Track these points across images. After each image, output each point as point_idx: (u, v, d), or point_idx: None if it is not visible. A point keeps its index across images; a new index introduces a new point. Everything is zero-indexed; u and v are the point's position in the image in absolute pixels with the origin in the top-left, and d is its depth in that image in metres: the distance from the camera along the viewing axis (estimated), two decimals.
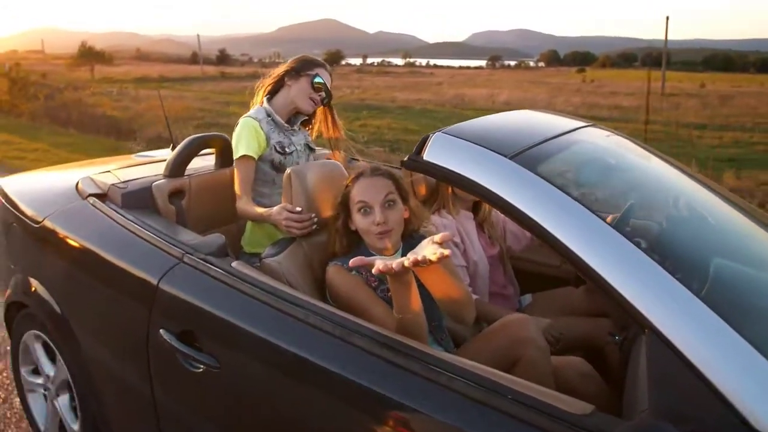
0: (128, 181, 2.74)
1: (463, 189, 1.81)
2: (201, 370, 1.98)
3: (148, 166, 3.10)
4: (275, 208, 2.44)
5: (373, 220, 2.12)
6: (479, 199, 2.11)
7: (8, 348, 3.40)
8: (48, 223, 2.64)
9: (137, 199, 2.66)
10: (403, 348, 1.68)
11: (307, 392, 1.80)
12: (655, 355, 1.41)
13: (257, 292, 1.97)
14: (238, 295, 2.00)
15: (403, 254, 1.96)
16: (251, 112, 2.89)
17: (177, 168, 2.86)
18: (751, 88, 35.71)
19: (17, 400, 3.45)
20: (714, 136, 15.94)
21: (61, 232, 2.59)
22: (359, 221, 2.16)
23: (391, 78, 52.58)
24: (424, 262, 1.57)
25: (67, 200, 2.72)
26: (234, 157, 2.78)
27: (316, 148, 3.14)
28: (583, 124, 2.38)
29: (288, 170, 2.43)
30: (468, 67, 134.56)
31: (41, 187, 3.11)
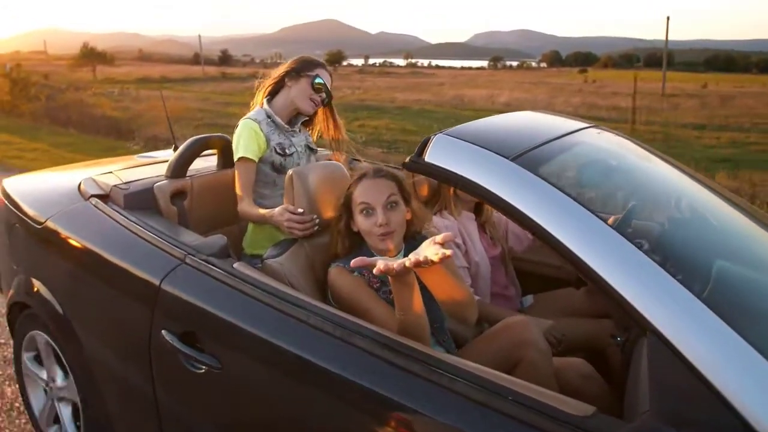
0: (130, 182, 2.75)
1: (464, 190, 1.81)
2: (203, 370, 1.98)
3: (150, 167, 3.11)
4: (277, 209, 2.44)
5: (376, 222, 2.12)
6: (480, 200, 2.11)
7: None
8: (50, 224, 2.65)
9: (139, 200, 2.67)
10: (405, 349, 1.68)
11: (308, 393, 1.80)
12: (657, 357, 1.41)
13: (259, 293, 1.98)
14: (240, 296, 2.00)
15: (405, 255, 1.97)
16: (251, 113, 2.88)
17: (179, 169, 2.87)
18: (752, 89, 35.68)
19: (8, 389, 3.53)
20: (711, 136, 15.96)
21: (64, 232, 2.59)
22: (361, 222, 2.16)
23: (393, 79, 52.57)
24: (426, 263, 1.57)
25: (70, 201, 2.73)
26: (234, 159, 2.78)
27: (318, 149, 3.13)
28: (585, 125, 2.38)
29: (290, 171, 2.43)
30: (470, 68, 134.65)
31: (44, 188, 3.11)
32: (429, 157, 1.79)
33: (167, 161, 2.94)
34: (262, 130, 2.78)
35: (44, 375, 2.93)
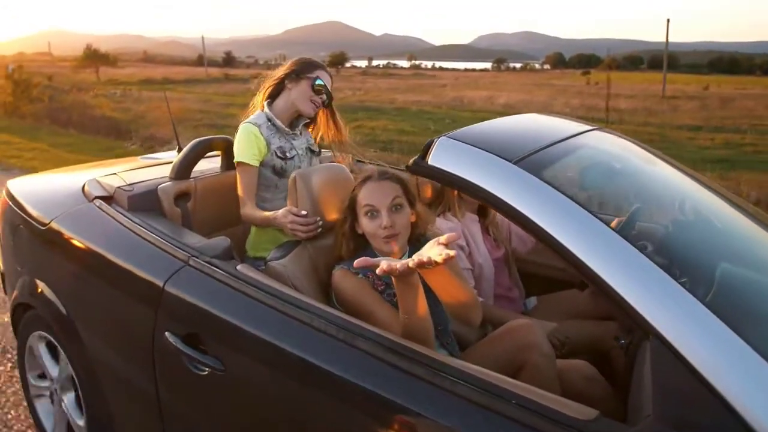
0: (134, 183, 2.75)
1: (467, 193, 1.81)
2: (206, 372, 1.98)
3: (154, 169, 3.11)
4: (280, 211, 2.44)
5: (380, 224, 2.12)
6: (483, 203, 2.11)
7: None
8: (54, 226, 2.66)
9: (143, 202, 2.67)
10: (408, 352, 1.68)
11: (311, 395, 1.80)
12: (660, 361, 1.41)
13: (262, 295, 1.98)
14: (243, 298, 2.00)
15: (410, 258, 1.96)
16: (251, 117, 2.87)
17: (183, 170, 2.87)
18: (754, 91, 35.62)
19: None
20: (706, 137, 15.99)
21: (68, 234, 2.60)
22: (366, 225, 2.16)
23: (395, 80, 52.61)
24: (430, 264, 1.57)
25: (74, 203, 2.74)
26: (234, 162, 2.78)
27: (323, 150, 3.13)
28: (589, 127, 2.38)
29: (293, 173, 2.44)
30: (473, 70, 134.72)
31: (48, 189, 3.12)
32: (432, 160, 1.79)
33: (171, 163, 2.95)
34: (262, 133, 2.78)
35: (48, 383, 2.94)
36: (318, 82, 2.83)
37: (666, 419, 1.34)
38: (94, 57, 50.03)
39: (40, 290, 2.70)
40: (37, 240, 2.79)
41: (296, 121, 2.96)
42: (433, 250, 1.60)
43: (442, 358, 1.68)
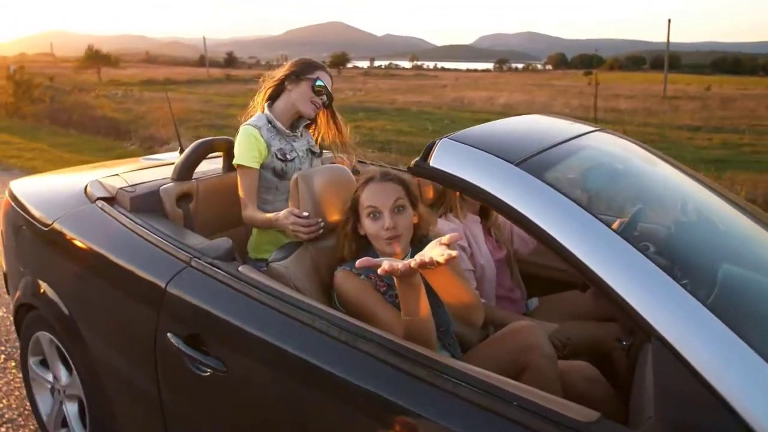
0: (136, 184, 2.76)
1: (469, 195, 1.81)
2: (208, 373, 1.99)
3: (156, 170, 3.12)
4: (282, 212, 2.45)
5: (383, 225, 2.12)
6: (485, 205, 2.12)
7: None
8: (57, 226, 2.67)
9: (145, 203, 2.68)
10: (409, 353, 1.69)
11: (313, 397, 1.80)
12: (661, 363, 1.41)
13: (264, 296, 1.98)
14: (245, 300, 2.01)
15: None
16: (252, 119, 2.87)
17: (185, 171, 2.88)
18: (756, 91, 35.56)
19: None
20: (705, 137, 16.02)
21: (70, 235, 2.61)
22: (368, 226, 2.16)
23: (396, 81, 52.60)
24: (432, 264, 1.57)
25: (76, 203, 2.74)
26: (235, 165, 2.78)
27: (324, 151, 3.13)
28: (591, 128, 2.38)
29: (295, 175, 2.44)
30: (475, 70, 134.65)
31: (50, 190, 3.13)
32: (434, 161, 1.79)
33: (173, 164, 2.95)
34: (262, 136, 2.78)
35: (50, 377, 2.95)
36: (318, 83, 2.82)
37: (667, 421, 1.34)
38: (95, 58, 50.06)
39: (42, 291, 2.71)
40: (39, 241, 2.80)
41: (297, 122, 2.95)
42: (434, 251, 1.60)
43: (444, 360, 1.69)
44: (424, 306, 1.82)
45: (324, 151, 3.13)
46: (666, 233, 2.10)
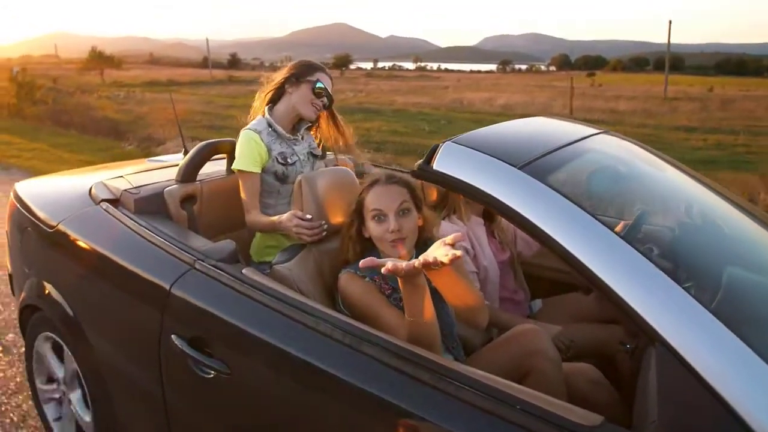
0: (140, 186, 2.77)
1: (472, 199, 1.81)
2: (212, 375, 1.99)
3: (160, 172, 3.13)
4: (285, 215, 2.45)
5: (388, 228, 2.12)
6: (489, 208, 2.12)
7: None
8: (62, 228, 2.68)
9: (149, 205, 2.69)
10: (413, 357, 1.69)
11: (316, 399, 1.81)
12: (665, 368, 1.41)
13: (267, 298, 1.99)
14: (249, 302, 2.01)
15: None
16: (252, 123, 2.86)
17: (189, 173, 2.88)
18: (758, 92, 35.47)
19: None
20: (700, 138, 16.04)
21: (75, 236, 2.62)
22: (373, 228, 2.17)
23: (398, 82, 52.58)
24: (436, 264, 1.57)
25: (81, 205, 2.76)
26: (236, 170, 2.77)
27: (328, 153, 3.12)
28: (595, 131, 2.38)
29: (298, 177, 2.44)
30: (479, 71, 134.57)
31: (55, 192, 3.14)
32: (437, 164, 1.80)
33: (177, 165, 2.96)
34: (262, 140, 2.77)
35: (56, 386, 2.96)
36: (318, 85, 2.82)
37: (671, 425, 1.34)
38: (98, 59, 50.14)
39: (47, 292, 2.72)
40: (44, 242, 2.81)
41: (298, 124, 2.95)
42: (439, 251, 1.60)
43: (448, 363, 1.68)
44: (429, 308, 1.82)
45: (327, 153, 3.12)
46: (670, 236, 2.10)
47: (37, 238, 2.86)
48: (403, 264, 1.61)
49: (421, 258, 1.61)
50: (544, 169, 1.78)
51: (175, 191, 2.78)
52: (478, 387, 1.56)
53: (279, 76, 2.89)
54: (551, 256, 3.08)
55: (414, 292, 1.77)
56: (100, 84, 37.42)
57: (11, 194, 3.21)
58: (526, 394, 1.53)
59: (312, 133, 3.06)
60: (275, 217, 2.55)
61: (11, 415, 3.38)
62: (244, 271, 2.14)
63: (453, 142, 1.84)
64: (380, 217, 2.15)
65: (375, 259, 1.64)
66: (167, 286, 2.18)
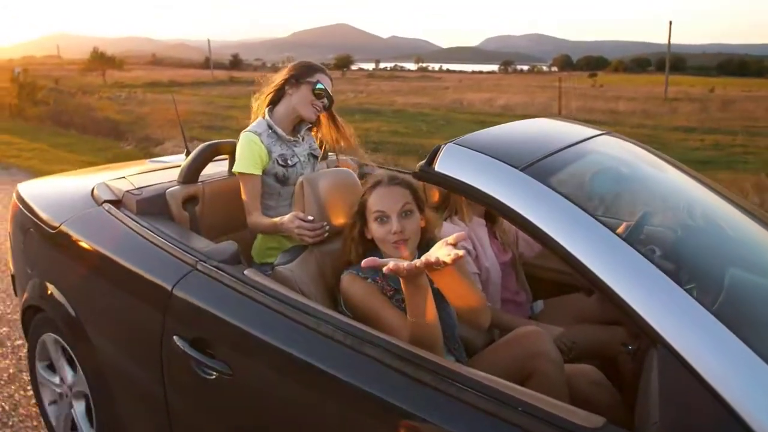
0: (143, 187, 2.77)
1: (474, 200, 1.81)
2: (214, 376, 1.99)
3: (162, 173, 3.13)
4: (287, 216, 2.45)
5: (390, 229, 2.12)
6: (491, 210, 2.12)
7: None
8: (64, 229, 2.68)
9: (151, 206, 2.69)
10: (415, 358, 1.69)
11: (318, 400, 1.81)
12: (667, 369, 1.41)
13: (269, 300, 1.99)
14: (251, 303, 2.01)
15: None
16: (252, 125, 2.85)
17: (191, 174, 2.88)
18: (759, 93, 35.43)
19: None
20: (697, 138, 16.08)
21: (77, 237, 2.62)
22: (376, 230, 2.16)
23: (399, 82, 52.63)
24: (438, 264, 1.56)
25: (83, 206, 2.76)
26: (236, 173, 2.77)
27: (330, 154, 3.12)
28: (598, 132, 2.37)
29: (300, 178, 2.44)
30: (481, 72, 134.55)
31: (58, 192, 3.15)
32: (439, 166, 1.80)
33: (179, 166, 2.96)
34: (262, 142, 2.77)
35: (58, 380, 2.96)
36: (318, 86, 2.81)
37: (673, 427, 1.34)
38: (100, 60, 50.18)
39: (49, 292, 2.72)
40: (46, 243, 2.82)
41: (298, 126, 2.95)
42: (441, 251, 1.60)
43: (449, 365, 1.68)
44: (431, 310, 1.81)
45: (330, 153, 3.12)
46: (673, 237, 2.09)
47: (40, 239, 2.86)
48: (404, 264, 1.61)
49: (423, 258, 1.60)
50: (546, 170, 1.78)
51: (177, 192, 2.79)
52: (480, 388, 1.56)
53: (279, 78, 2.88)
54: (553, 257, 3.08)
55: (416, 292, 1.76)
56: (102, 85, 37.51)
57: (14, 195, 3.22)
58: (528, 396, 1.53)
59: (313, 134, 3.05)
60: (277, 219, 2.54)
61: (3, 404, 3.45)
62: (245, 272, 2.14)
63: (455, 143, 1.84)
64: (383, 218, 2.15)
65: (377, 259, 1.63)
66: (169, 287, 2.18)
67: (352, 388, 1.70)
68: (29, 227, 2.94)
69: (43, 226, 2.81)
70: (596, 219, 1.61)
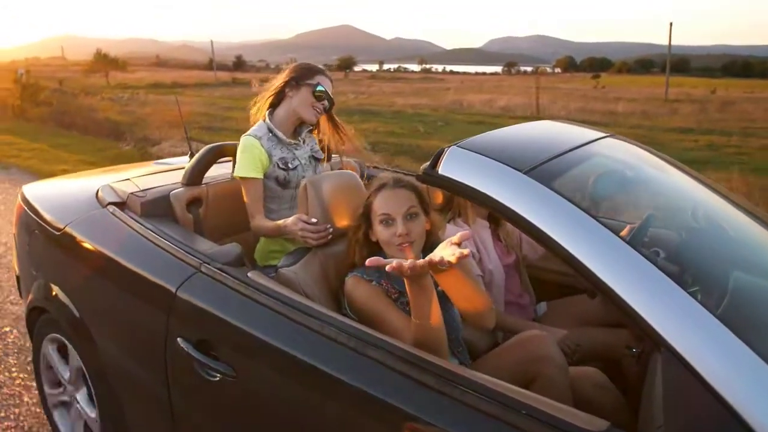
0: (147, 189, 2.78)
1: (477, 203, 1.81)
2: (218, 378, 2.00)
3: (166, 174, 3.14)
4: (290, 218, 2.45)
5: (395, 232, 2.12)
6: (494, 213, 2.12)
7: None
8: (69, 230, 2.69)
9: (156, 208, 2.71)
10: (418, 361, 1.69)
11: (321, 403, 1.81)
12: (671, 373, 1.40)
13: (273, 302, 1.99)
14: (254, 305, 2.02)
15: None
16: (253, 129, 2.84)
17: (195, 176, 2.90)
18: (761, 94, 35.30)
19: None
20: (693, 139, 16.05)
21: (82, 239, 2.63)
22: (381, 232, 2.16)
23: (401, 84, 52.53)
24: (442, 264, 1.56)
25: (88, 208, 2.77)
26: (237, 177, 2.77)
27: (334, 155, 3.12)
28: (602, 135, 2.37)
29: (304, 181, 2.44)
30: (484, 73, 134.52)
31: (62, 194, 3.17)
32: (442, 169, 1.80)
33: (183, 168, 2.97)
34: (263, 145, 2.76)
35: (62, 381, 2.97)
36: (319, 88, 2.80)
37: (677, 431, 1.34)
38: (103, 61, 50.23)
39: (54, 294, 2.73)
40: (51, 244, 2.83)
41: (299, 128, 2.94)
42: (445, 251, 1.60)
43: (453, 368, 1.69)
44: (436, 312, 1.81)
45: (334, 155, 3.12)
46: (677, 240, 2.09)
47: (45, 241, 2.88)
48: (407, 263, 1.61)
49: (427, 257, 1.60)
50: (550, 173, 1.78)
51: (181, 194, 2.79)
52: (484, 391, 1.56)
53: (279, 80, 2.88)
54: (556, 259, 3.08)
55: (421, 293, 1.77)
56: (105, 86, 37.54)
57: (19, 197, 3.23)
58: (532, 399, 1.53)
59: (314, 135, 3.05)
60: (280, 221, 2.54)
61: None
62: (249, 274, 2.15)
63: (458, 146, 1.84)
64: (388, 221, 2.14)
65: (380, 258, 1.64)
66: (173, 289, 2.19)
67: (355, 391, 1.70)
68: (34, 229, 2.95)
69: (48, 227, 2.82)
70: (600, 222, 1.61)
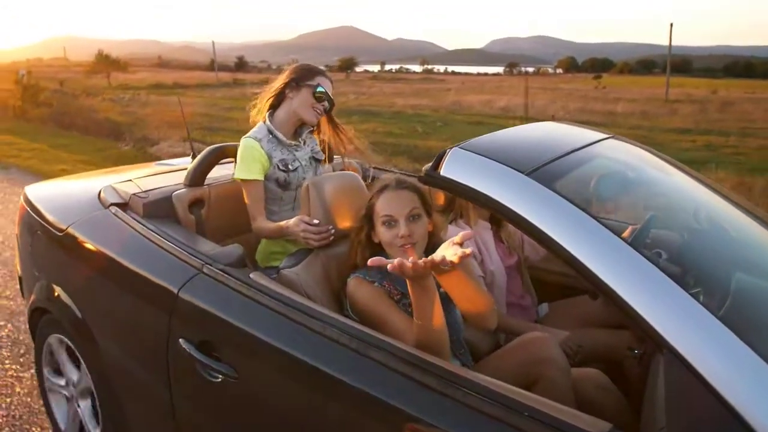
0: (149, 190, 2.78)
1: (479, 205, 1.81)
2: (220, 379, 2.00)
3: (168, 175, 3.15)
4: (293, 220, 2.46)
5: (398, 233, 2.11)
6: (496, 214, 2.12)
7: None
8: (71, 231, 2.70)
9: (158, 209, 2.71)
10: (420, 362, 1.69)
11: (323, 404, 1.81)
12: (673, 375, 1.40)
13: (275, 303, 1.99)
14: (256, 306, 2.02)
15: None
16: (253, 131, 2.84)
17: (197, 177, 2.90)
18: (762, 95, 35.22)
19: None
20: (691, 139, 16.06)
21: (84, 240, 2.64)
22: (383, 234, 2.16)
23: (402, 84, 52.52)
24: (444, 264, 1.56)
25: (90, 209, 2.78)
26: (238, 180, 2.77)
27: (336, 157, 3.12)
28: (603, 136, 2.37)
29: (305, 182, 2.45)
30: (486, 74, 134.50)
31: (65, 195, 3.17)
32: (444, 171, 1.80)
33: (185, 169, 2.97)
34: (263, 147, 2.76)
35: (64, 382, 2.98)
36: (319, 89, 2.80)
37: None
38: (105, 62, 50.26)
39: (56, 294, 2.74)
40: (54, 245, 2.83)
41: (300, 129, 2.94)
42: (448, 251, 1.60)
43: (455, 369, 1.69)
44: (438, 313, 1.81)
45: (336, 156, 3.12)
46: (679, 241, 2.09)
47: (47, 242, 2.88)
48: (407, 262, 1.61)
49: (430, 257, 1.60)
50: (552, 175, 1.77)
51: (183, 195, 2.80)
52: (486, 393, 1.56)
53: (279, 82, 2.87)
54: (558, 261, 3.08)
55: (423, 295, 1.76)
56: (106, 87, 37.56)
57: (21, 198, 3.24)
58: (534, 401, 1.53)
59: (315, 136, 3.04)
60: (282, 223, 2.55)
61: None
62: (251, 275, 2.15)
63: (460, 147, 1.84)
64: (391, 222, 2.14)
65: (382, 258, 1.64)
66: (175, 290, 2.19)
67: (357, 392, 1.70)
68: (36, 229, 2.96)
69: (51, 228, 2.82)
70: (601, 223, 1.61)
